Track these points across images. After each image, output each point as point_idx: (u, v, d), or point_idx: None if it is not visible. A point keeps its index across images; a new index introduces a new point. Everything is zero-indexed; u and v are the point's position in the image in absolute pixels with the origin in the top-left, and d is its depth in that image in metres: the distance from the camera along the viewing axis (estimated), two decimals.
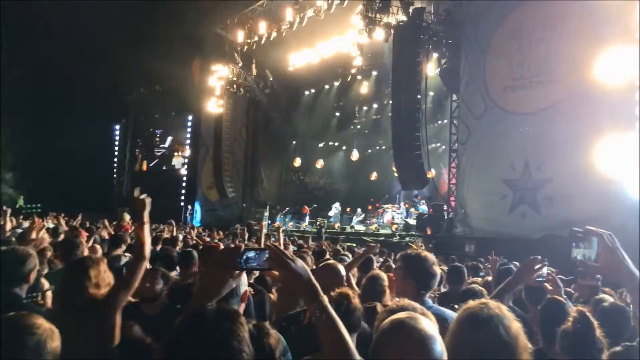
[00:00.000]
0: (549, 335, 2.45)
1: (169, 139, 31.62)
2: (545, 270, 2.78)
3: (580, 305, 3.58)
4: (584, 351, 2.42)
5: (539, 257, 2.75)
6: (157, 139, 32.07)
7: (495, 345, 1.67)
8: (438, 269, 3.29)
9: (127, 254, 4.92)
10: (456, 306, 4.03)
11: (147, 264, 3.18)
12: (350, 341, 1.62)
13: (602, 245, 1.89)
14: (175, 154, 31.23)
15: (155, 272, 3.79)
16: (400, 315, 1.56)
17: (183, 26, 23.20)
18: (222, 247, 3.02)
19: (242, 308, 2.18)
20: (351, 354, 1.60)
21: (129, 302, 3.86)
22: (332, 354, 1.63)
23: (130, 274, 3.05)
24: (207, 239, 10.04)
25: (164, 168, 31.31)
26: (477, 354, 1.66)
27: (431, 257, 3.22)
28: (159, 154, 32.00)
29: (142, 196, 3.22)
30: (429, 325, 1.51)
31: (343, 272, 3.40)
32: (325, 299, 1.67)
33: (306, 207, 23.22)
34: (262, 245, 8.67)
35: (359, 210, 21.89)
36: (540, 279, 2.79)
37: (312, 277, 1.69)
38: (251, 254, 1.70)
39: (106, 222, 10.17)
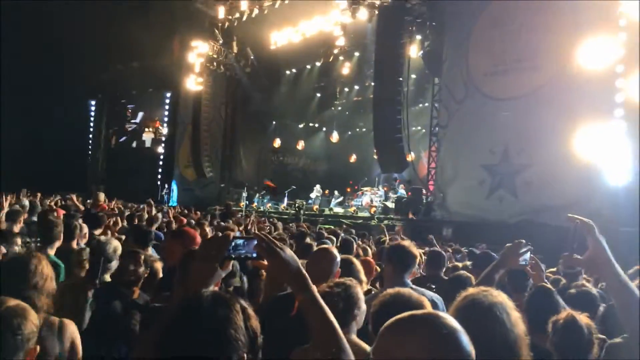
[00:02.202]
0: (537, 323, 2.44)
1: (140, 114, 31.19)
2: (528, 255, 2.78)
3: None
4: (574, 350, 2.44)
5: (523, 241, 2.74)
6: (129, 115, 31.53)
7: (497, 334, 1.67)
8: (416, 252, 3.46)
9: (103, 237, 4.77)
10: (433, 286, 4.07)
11: None
12: (340, 332, 1.59)
13: (592, 236, 1.84)
14: (146, 129, 30.87)
15: (137, 254, 3.65)
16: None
17: (163, 1, 22.68)
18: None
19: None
20: (342, 344, 1.57)
21: (109, 284, 3.75)
22: (322, 345, 1.59)
23: None
24: (184, 220, 9.87)
25: (134, 145, 30.84)
26: (478, 342, 1.61)
27: (409, 242, 3.51)
28: (130, 129, 31.54)
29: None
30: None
31: (338, 257, 3.34)
32: (315, 289, 1.63)
33: (269, 182, 23.13)
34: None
35: (336, 192, 21.87)
36: (523, 263, 2.78)
37: (301, 267, 1.66)
38: (239, 242, 1.66)
39: (74, 198, 9.88)
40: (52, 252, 4.19)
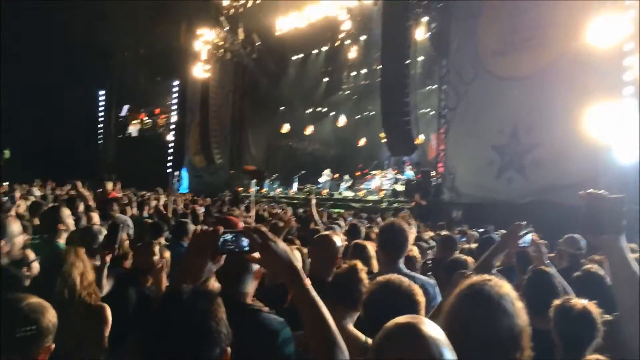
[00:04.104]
0: (535, 306, 2.45)
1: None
2: (529, 236, 2.77)
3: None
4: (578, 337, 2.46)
5: (524, 222, 2.73)
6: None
7: (504, 326, 1.66)
8: (409, 236, 3.42)
9: (96, 225, 4.86)
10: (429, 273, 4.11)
11: None
12: (334, 326, 1.60)
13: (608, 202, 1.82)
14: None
15: (149, 245, 3.78)
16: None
17: None
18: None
19: (253, 286, 2.13)
20: (334, 339, 1.58)
21: (125, 271, 3.95)
22: (314, 339, 1.60)
23: None
24: (195, 206, 9.98)
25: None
26: (480, 331, 1.64)
27: (401, 225, 3.44)
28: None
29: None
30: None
31: (338, 243, 3.38)
32: (308, 282, 1.62)
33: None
34: (253, 214, 8.64)
35: (346, 176, 21.86)
36: (524, 244, 2.77)
37: (294, 260, 1.64)
38: (229, 236, 1.63)
39: (79, 185, 9.90)
40: (61, 241, 4.27)
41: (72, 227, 4.51)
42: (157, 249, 3.74)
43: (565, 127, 12.72)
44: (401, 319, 1.36)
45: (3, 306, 1.90)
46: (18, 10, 23.54)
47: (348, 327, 2.54)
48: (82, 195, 7.27)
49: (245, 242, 1.62)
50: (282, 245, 1.63)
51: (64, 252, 3.00)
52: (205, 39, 23.76)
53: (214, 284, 2.22)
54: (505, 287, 1.75)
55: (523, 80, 14.09)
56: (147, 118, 31.38)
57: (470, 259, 3.72)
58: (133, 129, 31.51)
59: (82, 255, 2.94)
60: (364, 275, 2.75)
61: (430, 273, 4.28)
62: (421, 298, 2.25)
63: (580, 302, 2.59)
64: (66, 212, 4.51)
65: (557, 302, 2.68)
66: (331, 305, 1.77)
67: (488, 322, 1.67)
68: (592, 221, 1.84)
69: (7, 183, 12.79)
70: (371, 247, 3.89)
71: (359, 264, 2.81)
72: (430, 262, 4.78)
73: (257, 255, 1.63)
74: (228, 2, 22.61)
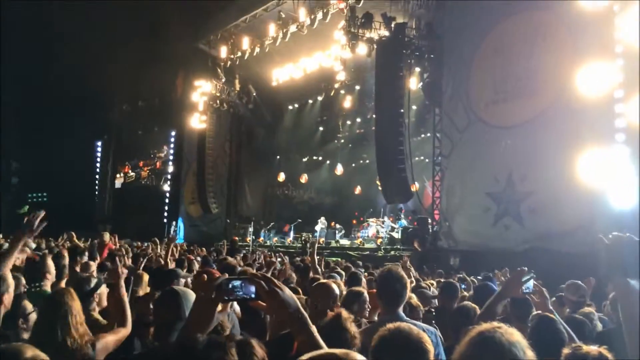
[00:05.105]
0: (543, 353, 2.42)
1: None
2: (531, 282, 2.76)
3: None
4: None
5: (526, 268, 2.73)
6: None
7: None
8: (407, 284, 3.40)
9: (95, 275, 4.84)
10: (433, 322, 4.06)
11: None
12: None
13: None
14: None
15: (151, 296, 3.81)
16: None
17: (166, 42, 23.15)
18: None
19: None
20: None
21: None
22: None
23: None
24: (191, 256, 9.88)
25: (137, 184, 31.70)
26: None
27: (398, 273, 3.41)
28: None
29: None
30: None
31: (337, 290, 3.37)
32: (314, 329, 1.62)
33: (287, 224, 23.18)
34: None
35: (337, 225, 21.86)
36: (527, 291, 2.76)
37: (301, 307, 1.64)
38: (236, 283, 1.62)
39: (73, 237, 9.99)
40: (48, 290, 4.32)
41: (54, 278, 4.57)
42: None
43: (560, 174, 12.84)
44: None
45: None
46: (20, 61, 23.98)
47: None
48: (79, 246, 7.24)
49: (252, 289, 1.61)
50: (288, 292, 1.63)
51: (57, 294, 3.04)
52: (202, 91, 24.14)
53: (226, 324, 2.20)
54: (515, 335, 1.73)
55: (516, 128, 14.30)
56: (130, 171, 31.76)
57: (474, 306, 3.69)
58: (117, 182, 32.11)
59: (75, 296, 2.99)
60: (349, 325, 2.68)
61: (433, 321, 4.23)
62: (430, 347, 2.22)
63: (593, 349, 2.56)
64: (50, 262, 4.59)
65: (567, 349, 2.64)
66: None
67: None
68: (615, 264, 1.84)
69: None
70: (367, 294, 3.87)
71: (344, 313, 2.74)
72: (432, 309, 4.74)
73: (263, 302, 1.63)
74: (225, 54, 23.12)
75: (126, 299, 3.43)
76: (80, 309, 2.97)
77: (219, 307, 1.66)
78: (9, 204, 27.84)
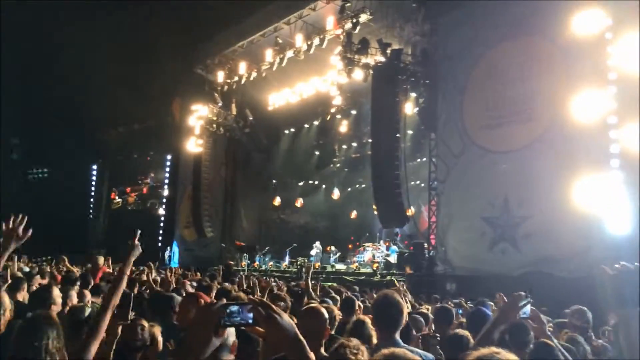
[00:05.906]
0: None
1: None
2: (528, 307, 2.73)
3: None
4: None
5: (523, 293, 2.71)
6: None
7: None
8: (403, 309, 3.37)
9: (89, 304, 4.77)
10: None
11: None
12: None
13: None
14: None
15: (137, 320, 3.70)
16: None
17: (163, 66, 23.33)
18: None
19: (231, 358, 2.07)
20: None
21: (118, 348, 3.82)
22: None
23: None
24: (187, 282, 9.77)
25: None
26: None
27: (394, 298, 3.39)
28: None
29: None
30: None
31: (326, 315, 3.33)
32: (312, 356, 1.59)
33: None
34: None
35: (332, 248, 21.71)
36: (524, 316, 2.73)
37: (299, 333, 1.61)
38: (234, 308, 1.58)
39: (65, 261, 9.91)
40: None
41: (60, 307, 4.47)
42: (146, 325, 3.67)
43: (555, 199, 12.87)
44: None
45: None
46: (14, 85, 24.06)
47: None
48: (72, 272, 7.16)
49: (249, 314, 1.58)
50: (286, 318, 1.60)
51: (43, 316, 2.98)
52: (199, 115, 24.24)
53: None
54: None
55: (511, 153, 14.36)
56: (125, 195, 31.87)
57: (467, 333, 3.64)
58: (112, 206, 32.49)
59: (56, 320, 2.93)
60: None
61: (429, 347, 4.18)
62: None
63: None
64: (56, 292, 4.48)
65: None
66: None
67: None
68: (622, 295, 1.82)
69: None
70: (370, 322, 3.83)
71: (354, 341, 2.70)
72: (430, 335, 4.67)
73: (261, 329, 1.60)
74: (222, 78, 23.28)
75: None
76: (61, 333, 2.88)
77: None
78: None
